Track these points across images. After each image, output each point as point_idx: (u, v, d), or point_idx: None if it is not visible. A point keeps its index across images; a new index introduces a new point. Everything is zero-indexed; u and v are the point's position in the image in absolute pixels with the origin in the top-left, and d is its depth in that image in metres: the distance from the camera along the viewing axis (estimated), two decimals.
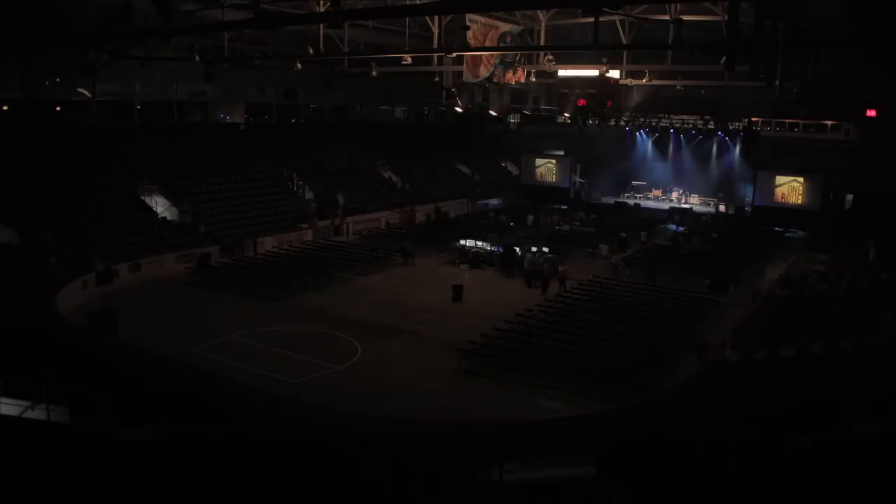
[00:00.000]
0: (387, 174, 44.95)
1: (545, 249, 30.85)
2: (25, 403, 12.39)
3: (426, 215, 41.12)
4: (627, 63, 41.16)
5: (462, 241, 33.26)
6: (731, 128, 43.00)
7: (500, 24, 36.86)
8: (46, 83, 32.41)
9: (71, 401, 12.19)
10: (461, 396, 17.50)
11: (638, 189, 47.96)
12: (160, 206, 32.25)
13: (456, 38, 34.79)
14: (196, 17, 23.88)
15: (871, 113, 36.65)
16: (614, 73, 38.71)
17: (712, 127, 43.55)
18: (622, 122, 46.10)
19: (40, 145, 30.45)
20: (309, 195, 38.43)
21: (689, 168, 46.28)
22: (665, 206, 44.73)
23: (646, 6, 29.49)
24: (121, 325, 20.85)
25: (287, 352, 20.00)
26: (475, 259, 30.77)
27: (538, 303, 23.88)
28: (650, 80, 42.15)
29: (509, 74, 41.03)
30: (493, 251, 31.43)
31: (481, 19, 34.98)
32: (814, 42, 19.41)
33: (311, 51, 32.04)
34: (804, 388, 14.68)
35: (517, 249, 30.74)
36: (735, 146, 44.33)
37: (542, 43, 39.03)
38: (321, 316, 23.59)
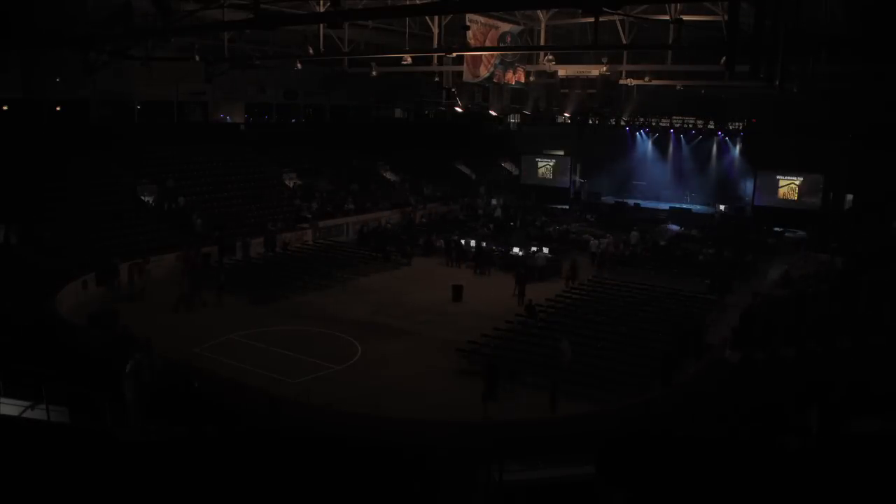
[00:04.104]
0: (386, 174, 44.92)
1: (545, 250, 30.82)
2: (25, 403, 12.39)
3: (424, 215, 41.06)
4: (627, 63, 41.18)
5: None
6: (731, 128, 42.96)
7: (500, 24, 36.88)
8: (46, 83, 32.39)
9: (71, 401, 12.19)
10: (461, 396, 17.49)
11: (638, 189, 47.84)
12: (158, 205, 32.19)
13: (456, 38, 34.77)
14: (196, 17, 23.87)
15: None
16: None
17: (712, 127, 43.51)
18: (622, 122, 46.07)
19: (40, 145, 30.40)
20: (308, 195, 38.38)
21: (689, 168, 46.21)
22: (665, 205, 44.65)
23: (646, 6, 29.51)
24: (121, 325, 20.80)
25: (287, 352, 19.99)
26: (476, 259, 30.70)
27: (538, 303, 23.87)
28: (650, 80, 42.20)
29: (509, 74, 41.05)
30: (494, 250, 31.35)
31: (481, 19, 35.00)
32: (814, 42, 19.40)
33: (311, 51, 32.07)
34: (802, 388, 14.68)
35: (517, 249, 30.70)
36: (735, 146, 44.27)
37: (542, 43, 39.05)
38: (321, 316, 23.59)
